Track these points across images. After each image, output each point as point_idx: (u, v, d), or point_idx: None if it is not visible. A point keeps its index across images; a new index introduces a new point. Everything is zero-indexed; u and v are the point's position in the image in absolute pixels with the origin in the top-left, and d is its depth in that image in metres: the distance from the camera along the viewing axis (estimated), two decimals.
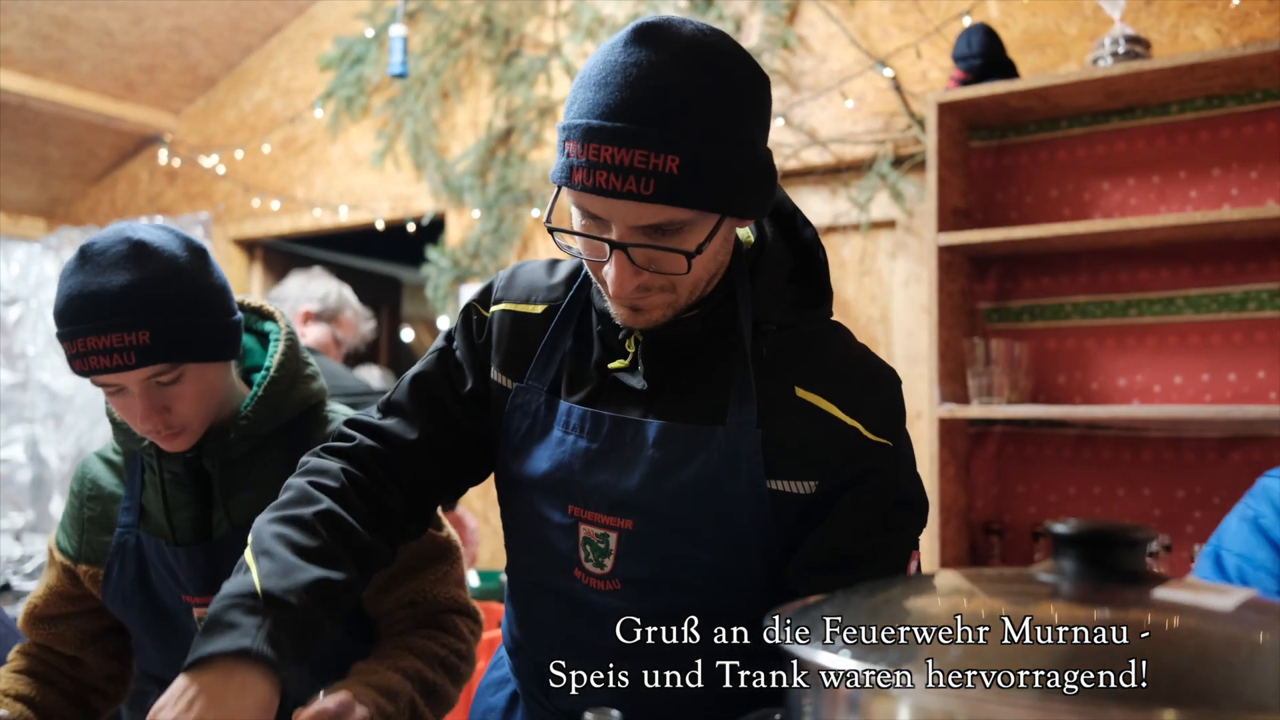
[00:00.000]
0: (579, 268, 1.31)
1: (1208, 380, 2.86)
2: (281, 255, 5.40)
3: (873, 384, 1.20)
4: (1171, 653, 0.64)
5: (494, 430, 1.32)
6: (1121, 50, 2.77)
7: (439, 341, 1.37)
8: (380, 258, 6.30)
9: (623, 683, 1.18)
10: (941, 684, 0.60)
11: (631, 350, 1.20)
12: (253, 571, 1.10)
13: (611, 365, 1.22)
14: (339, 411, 1.59)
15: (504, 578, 1.41)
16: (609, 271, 1.08)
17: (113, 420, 1.56)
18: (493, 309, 1.33)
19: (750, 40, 3.64)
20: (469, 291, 4.21)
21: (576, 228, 1.10)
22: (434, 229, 4.44)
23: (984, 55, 2.94)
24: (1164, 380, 2.92)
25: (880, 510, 1.17)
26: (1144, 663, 0.60)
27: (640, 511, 1.17)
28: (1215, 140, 2.90)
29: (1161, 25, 2.98)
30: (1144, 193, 2.98)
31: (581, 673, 1.19)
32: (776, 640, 0.72)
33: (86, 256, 1.39)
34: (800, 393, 1.17)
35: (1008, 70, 2.97)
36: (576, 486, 1.20)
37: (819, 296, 1.24)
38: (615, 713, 0.94)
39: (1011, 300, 3.14)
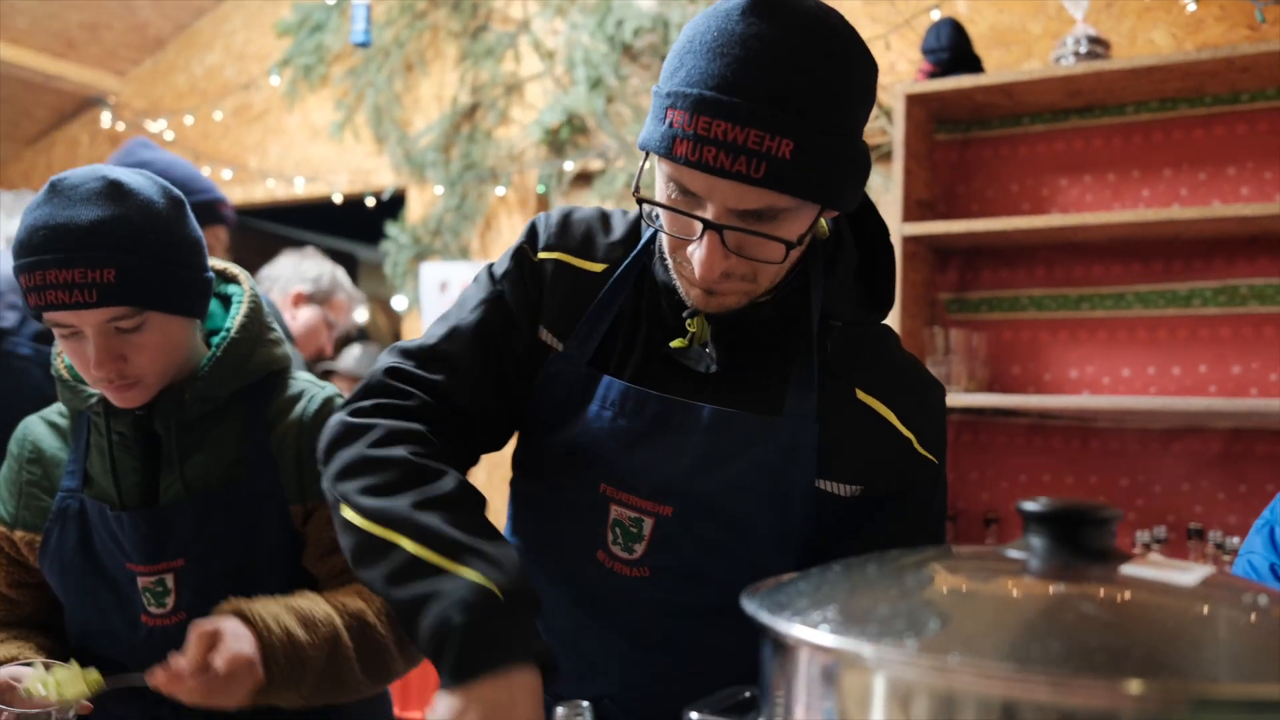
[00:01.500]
0: (635, 227, 1.23)
1: (1153, 373, 2.97)
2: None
3: (927, 397, 1.19)
4: (1138, 626, 0.67)
5: (527, 387, 1.22)
6: (1083, 50, 2.85)
7: (483, 286, 1.23)
8: (335, 233, 6.22)
9: (635, 674, 1.17)
10: (917, 657, 0.61)
11: (694, 330, 1.14)
12: (467, 572, 0.99)
13: (673, 344, 1.15)
14: (302, 379, 1.56)
15: None
16: (697, 252, 1.03)
17: (59, 379, 1.49)
18: (543, 255, 1.21)
19: None
20: (430, 270, 4.19)
21: (663, 200, 1.05)
22: (394, 204, 4.41)
23: (952, 49, 3.00)
24: (1112, 372, 3.03)
25: (915, 527, 1.16)
26: (1113, 635, 0.64)
27: (684, 498, 1.12)
28: (1167, 141, 3.00)
29: (1121, 27, 3.07)
30: (1099, 190, 3.08)
31: (588, 658, 1.18)
32: (753, 614, 0.72)
33: (57, 190, 1.33)
34: (861, 395, 1.14)
35: (974, 65, 3.04)
36: (613, 465, 1.14)
37: (885, 298, 1.20)
38: (585, 704, 0.92)
39: (971, 291, 3.22)
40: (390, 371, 1.18)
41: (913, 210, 3.04)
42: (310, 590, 1.45)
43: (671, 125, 0.98)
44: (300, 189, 4.61)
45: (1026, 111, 3.13)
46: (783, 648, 0.70)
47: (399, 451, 1.08)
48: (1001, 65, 3.20)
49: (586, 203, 3.91)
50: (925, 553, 0.85)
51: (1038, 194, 3.16)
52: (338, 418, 1.16)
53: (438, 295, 4.18)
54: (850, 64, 1.00)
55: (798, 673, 0.69)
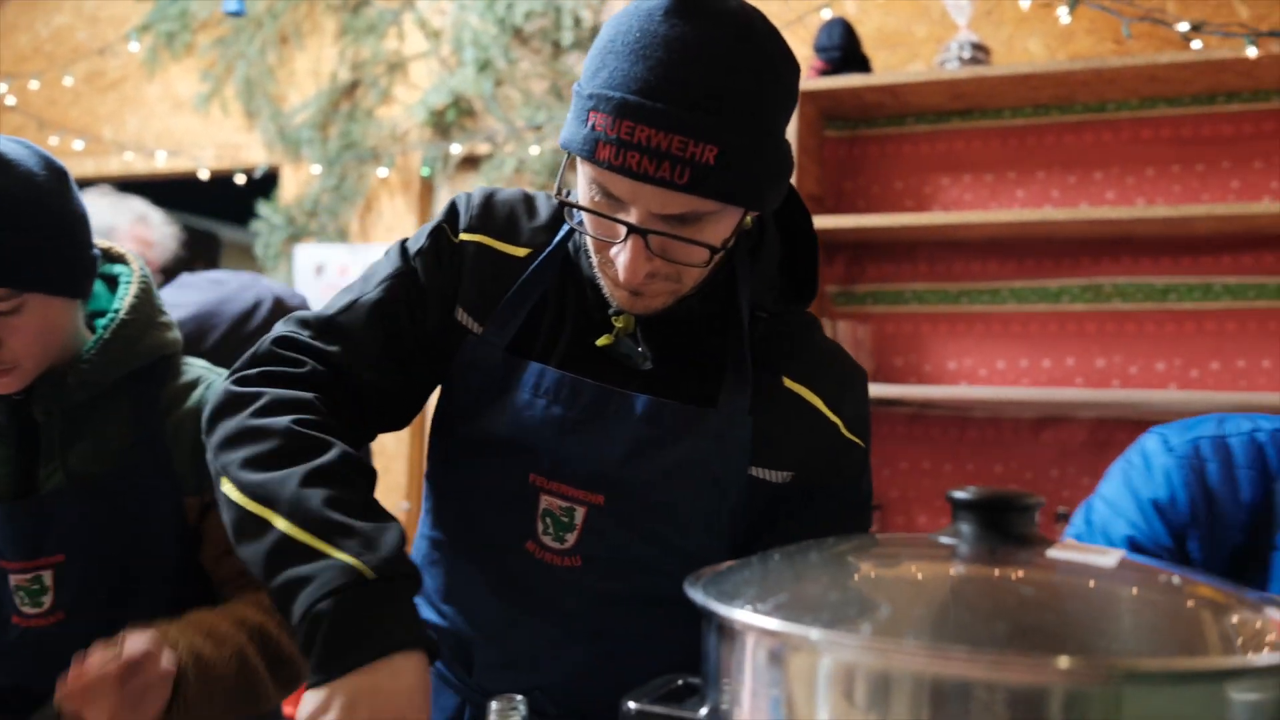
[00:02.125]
0: (560, 212, 1.20)
1: (1025, 366, 3.14)
2: None
3: (852, 382, 1.21)
4: (1067, 605, 0.71)
5: (443, 378, 1.20)
6: (966, 55, 2.99)
7: (393, 261, 1.19)
8: (198, 212, 5.93)
9: (567, 664, 1.16)
10: (863, 640, 0.64)
11: (620, 325, 1.14)
12: (337, 554, 0.94)
13: (599, 341, 1.15)
14: (197, 364, 1.49)
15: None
16: (621, 255, 1.03)
17: None
18: (464, 236, 1.19)
19: (612, 12, 3.67)
20: (305, 252, 4.06)
21: (585, 202, 1.04)
22: (266, 183, 4.24)
23: (843, 49, 3.09)
24: (988, 364, 3.18)
25: (845, 510, 1.19)
26: (1044, 614, 0.68)
27: (617, 487, 1.12)
28: (1041, 145, 3.17)
29: (999, 35, 3.22)
30: (978, 189, 3.23)
31: (517, 649, 1.16)
32: (700, 601, 0.72)
33: None
34: (789, 383, 1.16)
35: (864, 65, 3.14)
36: (543, 455, 1.13)
37: (809, 289, 1.21)
38: (519, 697, 0.90)
39: (857, 285, 3.33)
40: (281, 340, 1.13)
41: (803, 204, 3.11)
42: (204, 588, 1.40)
43: (594, 128, 0.97)
44: (162, 163, 4.38)
45: (911, 112, 3.25)
46: (730, 634, 0.71)
47: (283, 421, 1.04)
48: (887, 66, 3.31)
49: (474, 185, 3.84)
50: (861, 540, 0.87)
51: (920, 192, 3.28)
52: (222, 385, 1.11)
53: (313, 278, 4.05)
54: (773, 65, 1.01)
55: (745, 658, 0.69)
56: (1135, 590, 0.74)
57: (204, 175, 4.33)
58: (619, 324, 1.14)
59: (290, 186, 4.15)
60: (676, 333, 1.15)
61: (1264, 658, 0.63)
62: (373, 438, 1.21)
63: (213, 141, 4.32)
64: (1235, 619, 0.68)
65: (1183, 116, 3.01)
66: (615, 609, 1.15)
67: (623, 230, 1.01)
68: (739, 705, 0.70)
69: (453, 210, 1.21)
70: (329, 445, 1.03)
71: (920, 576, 0.77)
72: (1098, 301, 3.06)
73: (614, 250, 1.04)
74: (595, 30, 3.68)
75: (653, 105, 0.95)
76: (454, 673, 1.23)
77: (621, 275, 1.03)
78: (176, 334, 1.47)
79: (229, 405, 1.08)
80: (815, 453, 1.16)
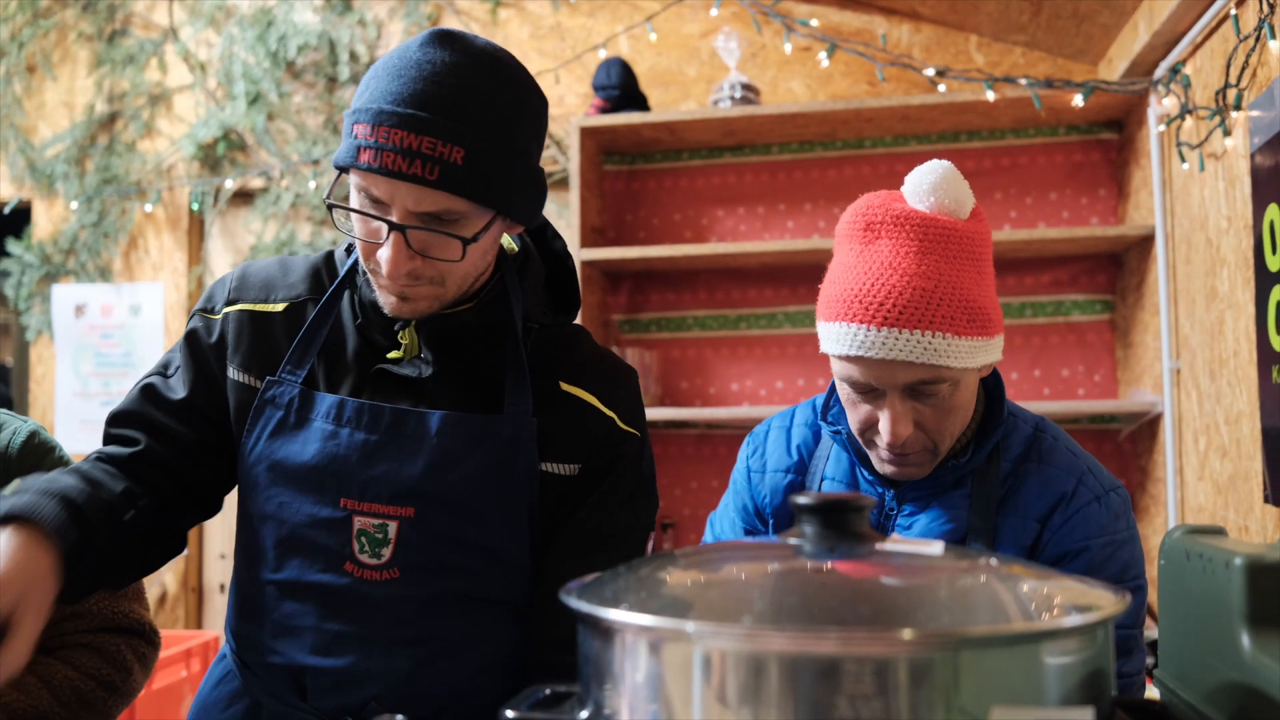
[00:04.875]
0: (315, 265, 1.33)
1: (802, 385, 3.31)
2: None
3: (623, 380, 1.34)
4: (904, 587, 0.80)
5: (235, 430, 1.29)
6: (738, 95, 3.15)
7: (169, 355, 1.34)
8: None
9: (399, 671, 1.23)
10: (734, 630, 0.70)
11: (406, 341, 1.24)
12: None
13: (390, 355, 1.24)
14: None
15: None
16: (384, 253, 1.13)
17: None
18: (225, 310, 1.30)
19: (389, 47, 3.65)
20: (63, 292, 3.80)
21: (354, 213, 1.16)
22: (16, 219, 3.95)
23: (621, 87, 3.19)
24: (768, 385, 3.34)
25: (629, 492, 1.30)
26: (885, 596, 0.77)
27: (423, 499, 1.20)
28: (807, 179, 3.37)
29: (764, 76, 3.41)
30: (751, 221, 3.40)
31: (349, 666, 1.22)
32: (578, 608, 0.77)
33: None
34: (565, 386, 1.28)
35: (641, 103, 3.25)
36: (352, 479, 1.21)
37: (571, 302, 1.36)
38: (399, 718, 0.93)
39: (641, 313, 3.42)
40: (104, 436, 1.31)
41: (587, 236, 3.19)
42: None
43: (356, 137, 1.10)
44: None
45: (687, 147, 3.39)
46: (609, 635, 0.75)
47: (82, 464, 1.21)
48: (661, 104, 3.45)
49: (248, 221, 3.73)
50: (718, 547, 0.96)
51: (698, 223, 3.42)
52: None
53: (73, 320, 3.80)
54: (517, 90, 1.16)
55: (624, 657, 0.74)
56: (961, 571, 0.83)
57: None
58: (404, 339, 1.24)
59: (44, 223, 3.88)
60: (456, 343, 1.25)
61: (1072, 619, 0.72)
62: (202, 503, 1.33)
63: None
64: (1046, 590, 0.79)
65: (931, 152, 3.27)
66: (436, 613, 1.23)
67: (384, 229, 1.13)
68: (620, 704, 0.74)
69: (210, 295, 1.34)
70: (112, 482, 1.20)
71: (777, 572, 0.84)
72: None
73: (380, 251, 1.14)
74: (371, 65, 3.64)
75: (405, 111, 1.09)
76: (290, 703, 1.26)
77: (385, 269, 1.14)
78: None
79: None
80: (596, 445, 1.28)
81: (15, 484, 1.12)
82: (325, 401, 1.23)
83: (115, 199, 3.78)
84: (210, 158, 3.75)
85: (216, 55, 3.76)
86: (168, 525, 1.28)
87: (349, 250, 1.32)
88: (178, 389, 1.29)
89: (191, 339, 1.31)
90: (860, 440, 1.37)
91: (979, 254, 1.30)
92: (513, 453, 1.23)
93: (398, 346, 1.25)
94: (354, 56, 3.65)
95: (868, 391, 1.30)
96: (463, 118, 1.09)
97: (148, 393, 1.29)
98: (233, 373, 1.28)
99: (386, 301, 1.20)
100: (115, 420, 1.29)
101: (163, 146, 3.81)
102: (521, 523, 1.25)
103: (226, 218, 3.81)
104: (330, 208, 1.16)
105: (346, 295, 1.29)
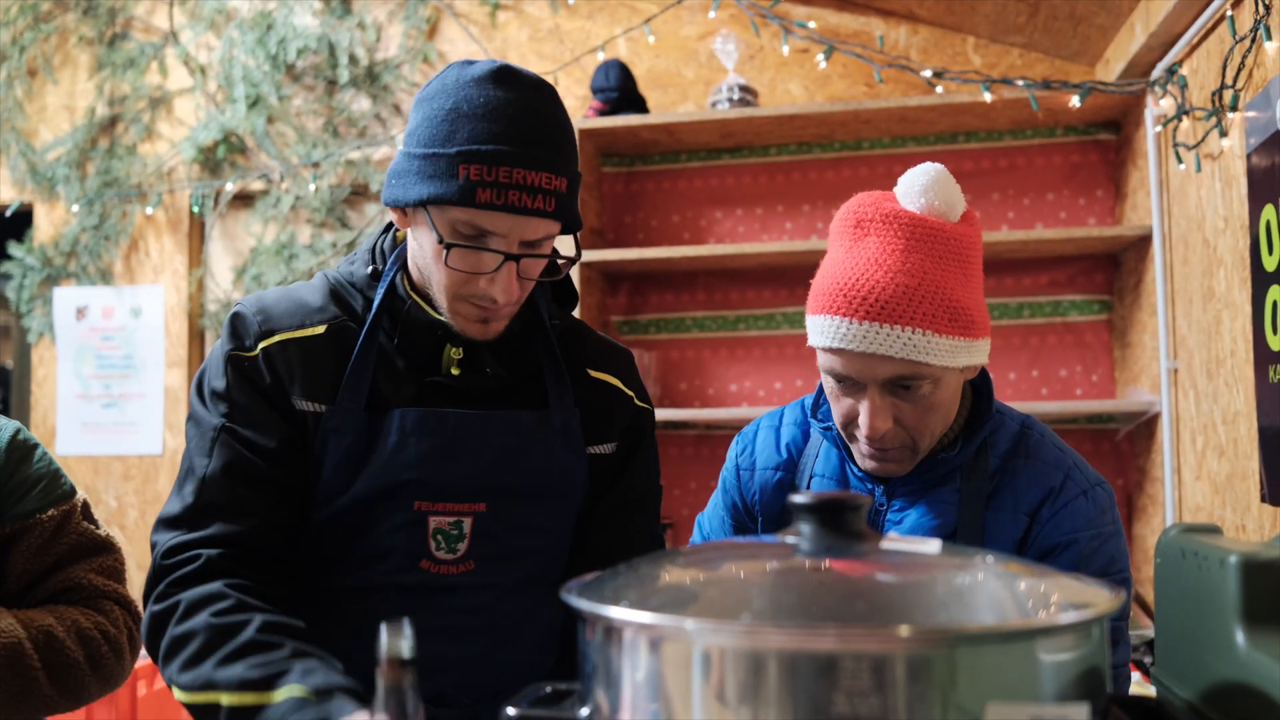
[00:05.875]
0: (332, 288, 1.34)
1: (800, 385, 3.32)
2: None
3: (630, 361, 1.48)
4: (899, 587, 0.81)
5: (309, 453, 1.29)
6: (736, 97, 3.16)
7: (206, 421, 1.28)
8: None
9: (471, 658, 1.32)
10: (724, 625, 0.71)
11: (456, 357, 1.31)
12: (277, 695, 1.06)
13: (454, 371, 1.31)
14: None
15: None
16: (500, 283, 1.21)
17: None
18: (262, 345, 1.28)
19: (389, 51, 3.66)
20: (65, 295, 3.81)
21: (436, 244, 1.20)
22: (18, 222, 3.96)
23: (620, 89, 3.20)
24: (767, 385, 3.35)
25: (651, 458, 1.46)
26: (884, 594, 0.78)
27: (492, 493, 1.30)
28: (805, 180, 3.38)
29: (762, 78, 3.42)
30: (749, 222, 3.41)
31: (425, 658, 1.25)
32: (579, 606, 0.79)
33: None
34: (592, 373, 1.41)
35: (640, 105, 3.26)
36: (427, 483, 1.28)
37: (570, 296, 1.45)
38: (405, 619, 0.97)
39: (640, 314, 3.44)
40: (167, 552, 1.22)
41: (586, 238, 3.20)
42: None
43: (469, 178, 1.16)
44: None
45: (685, 149, 3.40)
46: (610, 633, 0.76)
47: (201, 619, 1.14)
48: (659, 106, 3.46)
49: (249, 224, 3.74)
50: (716, 546, 0.97)
51: (697, 225, 3.43)
52: (146, 612, 1.21)
53: (74, 323, 3.81)
54: (567, 116, 1.26)
55: (624, 654, 0.75)
56: (959, 569, 0.84)
57: None
58: (455, 354, 1.31)
59: (46, 226, 3.89)
60: (505, 350, 1.34)
61: (1068, 616, 0.73)
62: (300, 564, 1.31)
63: None
64: (1042, 588, 0.80)
65: (929, 153, 3.28)
66: (505, 598, 1.33)
67: (493, 260, 1.20)
68: (621, 701, 0.75)
69: (234, 332, 1.30)
70: (246, 623, 1.13)
71: (775, 571, 0.85)
72: None
73: (483, 282, 1.21)
74: (371, 68, 3.66)
75: (521, 151, 1.16)
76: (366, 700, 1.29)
77: (502, 298, 1.22)
78: None
79: (155, 628, 1.19)
80: (623, 422, 1.43)
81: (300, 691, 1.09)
82: (391, 418, 1.28)
83: (116, 202, 3.79)
84: (210, 161, 3.75)
85: (216, 58, 3.76)
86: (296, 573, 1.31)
87: (374, 275, 1.33)
88: (266, 440, 1.26)
89: (246, 382, 1.28)
90: (844, 434, 1.40)
91: (967, 256, 1.32)
92: (565, 441, 1.34)
93: (439, 359, 1.31)
94: (353, 59, 3.66)
95: (849, 385, 1.34)
96: (559, 150, 1.19)
97: (234, 468, 1.25)
98: (298, 403, 1.28)
99: (468, 327, 1.27)
100: (197, 515, 1.24)
101: (163, 149, 3.82)
102: (575, 503, 1.37)
103: (227, 220, 3.82)
104: (448, 246, 1.19)
105: (392, 314, 1.33)
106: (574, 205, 1.22)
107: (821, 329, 1.31)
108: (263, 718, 1.06)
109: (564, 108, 1.25)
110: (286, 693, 1.06)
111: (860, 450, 1.38)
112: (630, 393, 1.44)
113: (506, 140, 1.16)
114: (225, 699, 1.09)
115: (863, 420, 1.32)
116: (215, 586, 1.17)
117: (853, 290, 1.28)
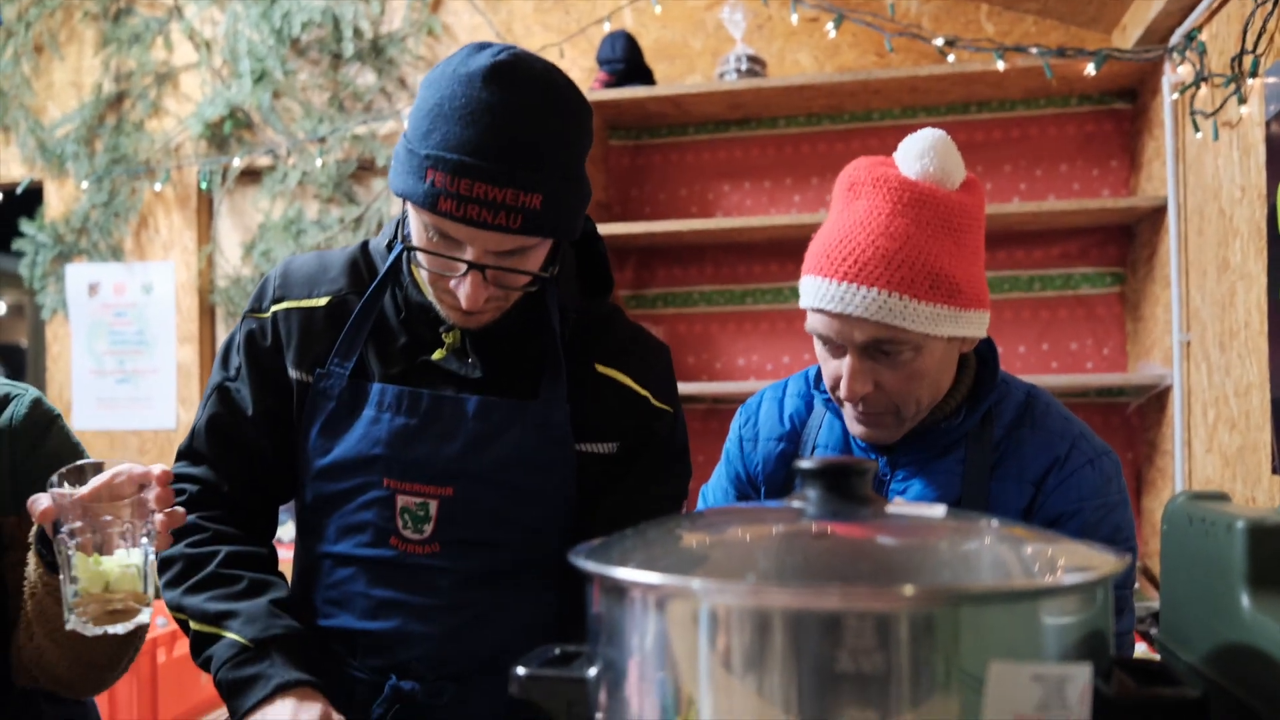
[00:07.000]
0: (353, 258, 1.38)
1: (808, 359, 3.31)
2: None
3: (655, 359, 1.41)
4: (904, 548, 0.80)
5: (295, 421, 1.36)
6: (744, 68, 3.13)
7: (214, 378, 1.39)
8: None
9: (436, 636, 1.32)
10: (729, 585, 0.71)
11: (451, 340, 1.31)
12: (226, 634, 1.25)
13: (434, 356, 1.31)
14: None
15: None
16: (462, 288, 1.19)
17: None
18: (273, 309, 1.36)
19: (393, 24, 3.64)
20: (77, 271, 3.82)
21: (421, 241, 1.21)
22: (29, 200, 3.96)
23: (626, 61, 3.18)
24: (774, 359, 3.34)
25: (666, 464, 1.39)
26: (890, 556, 0.78)
27: (462, 479, 1.29)
28: (814, 153, 3.36)
29: (771, 48, 3.39)
30: (757, 195, 3.39)
31: (392, 630, 1.33)
32: (586, 568, 0.79)
33: None
34: (600, 368, 1.36)
35: (647, 76, 3.24)
36: (395, 461, 1.29)
37: (603, 284, 1.40)
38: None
39: (648, 288, 3.43)
40: (175, 476, 1.34)
41: (592, 211, 3.18)
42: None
43: (434, 184, 1.14)
44: None
45: (692, 121, 3.38)
46: (618, 593, 0.76)
47: (179, 548, 1.31)
48: (666, 77, 3.43)
49: (256, 199, 3.73)
50: (722, 510, 0.98)
51: (704, 198, 3.41)
52: None
53: (87, 299, 3.82)
54: (577, 116, 1.19)
55: (631, 615, 0.75)
56: (964, 533, 0.84)
57: None
58: (448, 339, 1.31)
59: (56, 203, 3.89)
60: (500, 341, 1.32)
61: (1072, 577, 0.73)
62: (272, 509, 1.45)
63: None
64: (1047, 551, 0.80)
65: (940, 124, 3.23)
66: (472, 584, 1.32)
67: (461, 266, 1.19)
68: (628, 661, 0.75)
69: (259, 294, 1.40)
70: (214, 555, 1.30)
71: (781, 534, 0.85)
72: None
73: (453, 283, 1.21)
74: (376, 42, 3.64)
75: (486, 165, 1.12)
76: (340, 662, 1.36)
77: (464, 304, 1.20)
78: None
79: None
80: (631, 423, 1.36)
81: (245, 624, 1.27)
82: (371, 390, 1.31)
83: (125, 178, 3.79)
84: (217, 136, 3.75)
85: (221, 33, 3.75)
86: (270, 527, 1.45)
87: (389, 246, 1.35)
88: (247, 405, 1.36)
89: (250, 344, 1.37)
90: (833, 399, 1.39)
91: (960, 225, 1.30)
92: (545, 435, 1.31)
93: (441, 340, 1.32)
94: (358, 33, 3.64)
95: (833, 347, 1.34)
96: (539, 165, 1.13)
97: (216, 423, 1.37)
98: (290, 371, 1.35)
99: (454, 316, 1.27)
100: (192, 455, 1.38)
101: (170, 125, 3.82)
102: (559, 500, 1.34)
103: (235, 196, 3.82)
104: (409, 250, 1.23)
105: (390, 291, 1.35)
106: (554, 217, 1.16)
107: (806, 289, 1.32)
108: (212, 651, 1.25)
109: (570, 109, 1.18)
110: (229, 634, 1.25)
111: (847, 414, 1.38)
112: (644, 392, 1.36)
113: (476, 151, 1.12)
114: (192, 624, 1.28)
115: (842, 383, 1.32)
116: (192, 519, 1.32)
117: (834, 251, 1.28)
